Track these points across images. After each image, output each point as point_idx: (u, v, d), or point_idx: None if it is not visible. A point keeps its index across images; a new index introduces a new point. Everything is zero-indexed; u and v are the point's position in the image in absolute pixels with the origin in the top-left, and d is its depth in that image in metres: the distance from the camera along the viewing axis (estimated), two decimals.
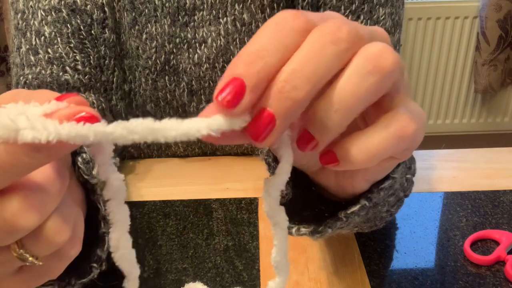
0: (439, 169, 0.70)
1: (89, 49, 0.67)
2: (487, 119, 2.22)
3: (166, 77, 0.68)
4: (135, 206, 0.63)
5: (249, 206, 0.63)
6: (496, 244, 0.56)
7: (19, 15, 0.67)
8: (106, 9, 0.66)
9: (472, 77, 2.11)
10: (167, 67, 0.68)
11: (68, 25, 0.66)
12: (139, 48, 0.67)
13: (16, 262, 0.30)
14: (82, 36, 0.66)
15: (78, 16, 0.66)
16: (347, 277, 0.53)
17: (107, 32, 0.67)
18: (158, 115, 0.70)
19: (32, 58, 0.65)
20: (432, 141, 2.20)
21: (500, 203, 0.63)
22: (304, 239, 0.57)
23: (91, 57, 0.67)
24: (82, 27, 0.66)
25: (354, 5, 0.64)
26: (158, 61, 0.67)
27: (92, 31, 0.67)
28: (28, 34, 0.66)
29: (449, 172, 0.69)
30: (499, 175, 0.68)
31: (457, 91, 2.14)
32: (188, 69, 0.68)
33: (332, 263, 0.54)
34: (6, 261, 0.30)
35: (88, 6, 0.66)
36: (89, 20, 0.66)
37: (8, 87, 1.88)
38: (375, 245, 0.57)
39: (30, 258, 0.30)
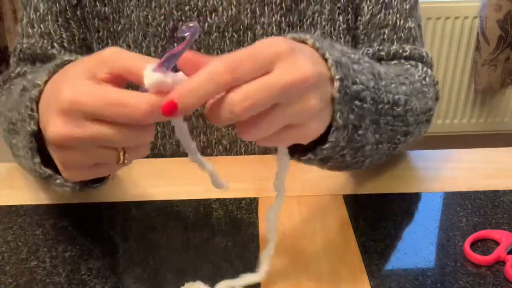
0: (439, 169, 0.70)
1: (74, 30, 0.72)
2: (487, 119, 2.21)
3: (175, 44, 0.68)
4: (135, 206, 0.63)
5: (249, 206, 0.63)
6: (496, 244, 0.56)
7: None
8: None
9: (472, 77, 2.11)
10: (175, 34, 0.69)
11: (57, 4, 0.70)
12: (149, 16, 0.69)
13: (110, 158, 0.43)
14: (68, 16, 0.71)
15: None
16: (347, 277, 0.53)
17: (98, 5, 0.69)
18: None
19: (30, 30, 0.72)
20: (432, 141, 2.20)
21: (500, 203, 0.63)
22: (303, 239, 0.58)
23: (76, 38, 0.72)
24: (67, 8, 0.70)
25: None
26: (166, 27, 0.69)
27: (78, 12, 0.71)
28: (28, 8, 0.72)
29: (449, 172, 0.69)
30: (499, 175, 0.69)
31: (457, 91, 2.14)
32: (197, 37, 0.68)
33: (332, 263, 0.54)
34: (106, 157, 0.43)
35: None
36: (74, 1, 0.70)
37: None
38: (375, 245, 0.57)
39: (125, 161, 0.44)
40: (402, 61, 0.71)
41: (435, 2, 1.98)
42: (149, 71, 0.39)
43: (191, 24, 0.40)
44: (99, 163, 0.45)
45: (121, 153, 0.44)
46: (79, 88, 0.41)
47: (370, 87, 0.50)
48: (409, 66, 0.70)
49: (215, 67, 0.39)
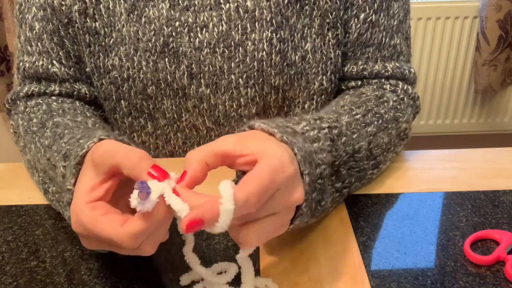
0: (439, 169, 0.70)
1: (68, 47, 0.73)
2: (487, 119, 2.21)
3: (166, 59, 0.69)
4: None
5: None
6: (496, 244, 0.56)
7: (17, 6, 0.74)
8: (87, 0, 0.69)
9: (472, 77, 2.11)
10: (166, 49, 0.69)
11: (50, 23, 0.71)
12: (139, 31, 0.69)
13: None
14: (61, 34, 0.72)
15: (55, 17, 0.71)
16: (347, 277, 0.53)
17: (88, 21, 0.70)
18: (159, 97, 0.72)
19: (29, 48, 0.73)
20: (433, 141, 2.20)
21: (500, 203, 0.63)
22: (303, 239, 0.58)
23: (71, 55, 0.73)
24: (60, 27, 0.71)
25: (376, 4, 0.70)
26: (157, 43, 0.69)
27: (70, 30, 0.71)
28: (23, 26, 0.73)
29: (449, 172, 0.69)
30: (499, 175, 0.69)
31: (457, 91, 2.14)
32: (188, 52, 0.69)
33: (332, 263, 0.54)
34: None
35: (68, 0, 0.69)
36: (65, 20, 0.70)
37: (8, 87, 1.88)
38: (375, 245, 0.57)
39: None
40: (383, 80, 0.74)
41: (436, 2, 1.98)
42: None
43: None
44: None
45: None
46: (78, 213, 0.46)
47: (328, 159, 0.55)
48: (388, 88, 0.72)
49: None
